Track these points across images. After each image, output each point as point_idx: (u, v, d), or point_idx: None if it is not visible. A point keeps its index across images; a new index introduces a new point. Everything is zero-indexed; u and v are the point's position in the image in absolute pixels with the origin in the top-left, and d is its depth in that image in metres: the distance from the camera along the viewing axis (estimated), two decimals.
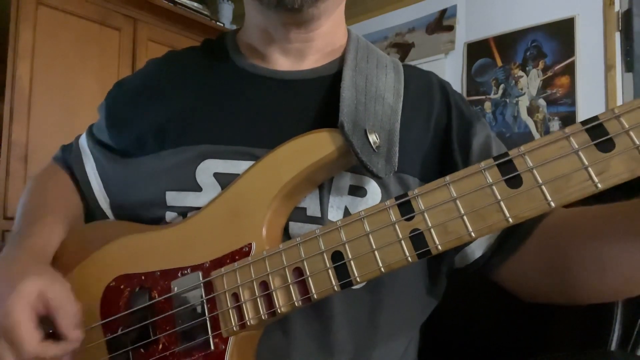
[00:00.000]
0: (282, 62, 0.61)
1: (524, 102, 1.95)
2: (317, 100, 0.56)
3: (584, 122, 0.35)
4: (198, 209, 0.52)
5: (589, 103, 1.79)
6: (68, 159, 0.70)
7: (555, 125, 1.87)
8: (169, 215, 0.54)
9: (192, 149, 0.55)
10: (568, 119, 1.84)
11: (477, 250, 0.55)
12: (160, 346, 0.48)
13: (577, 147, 0.35)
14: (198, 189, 0.53)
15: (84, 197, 0.66)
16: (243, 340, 0.46)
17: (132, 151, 0.61)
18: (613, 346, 0.51)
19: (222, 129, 0.56)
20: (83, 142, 0.69)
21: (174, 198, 0.54)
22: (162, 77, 0.64)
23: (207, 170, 0.54)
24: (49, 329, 0.48)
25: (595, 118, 0.35)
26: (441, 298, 0.60)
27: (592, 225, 0.47)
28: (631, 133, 0.34)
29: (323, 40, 0.61)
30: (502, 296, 0.56)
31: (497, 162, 0.38)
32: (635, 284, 0.45)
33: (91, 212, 0.66)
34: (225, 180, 0.52)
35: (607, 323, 0.52)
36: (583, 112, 1.80)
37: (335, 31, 0.63)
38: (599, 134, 0.35)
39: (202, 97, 0.59)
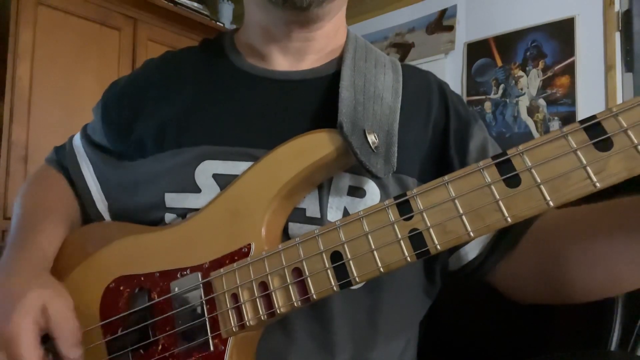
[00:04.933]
0: (281, 62, 0.60)
1: (524, 102, 1.95)
2: (316, 100, 0.56)
3: (582, 121, 0.35)
4: (197, 210, 0.52)
5: (589, 103, 1.79)
6: (63, 160, 0.68)
7: (555, 125, 1.86)
8: (168, 216, 0.54)
9: (190, 150, 0.55)
10: (568, 119, 1.83)
11: (471, 251, 0.55)
12: (160, 347, 0.48)
13: (575, 146, 0.35)
14: (197, 190, 0.53)
15: (80, 200, 0.65)
16: (242, 340, 0.46)
17: (131, 153, 0.60)
18: (613, 346, 0.51)
19: (221, 129, 0.56)
20: (77, 143, 0.68)
21: (173, 200, 0.54)
22: (160, 78, 0.63)
23: (206, 171, 0.53)
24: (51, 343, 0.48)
25: (593, 117, 0.35)
26: (436, 297, 0.60)
27: (584, 222, 0.48)
28: (629, 132, 0.34)
29: (323, 41, 0.61)
30: (502, 296, 0.56)
31: (495, 162, 0.38)
32: (624, 281, 0.46)
33: (88, 214, 0.65)
34: (224, 181, 0.52)
35: (607, 323, 0.51)
36: (583, 112, 1.80)
37: (336, 32, 0.62)
38: (597, 133, 0.35)
39: (200, 97, 0.59)
